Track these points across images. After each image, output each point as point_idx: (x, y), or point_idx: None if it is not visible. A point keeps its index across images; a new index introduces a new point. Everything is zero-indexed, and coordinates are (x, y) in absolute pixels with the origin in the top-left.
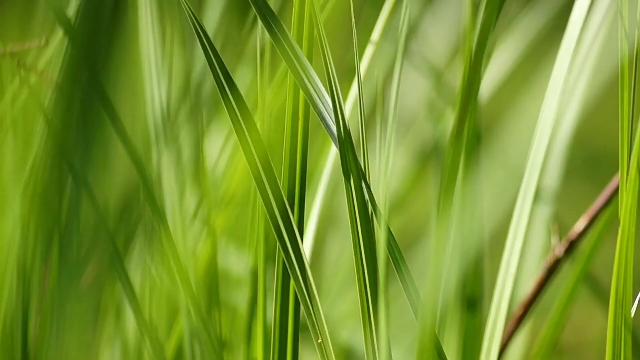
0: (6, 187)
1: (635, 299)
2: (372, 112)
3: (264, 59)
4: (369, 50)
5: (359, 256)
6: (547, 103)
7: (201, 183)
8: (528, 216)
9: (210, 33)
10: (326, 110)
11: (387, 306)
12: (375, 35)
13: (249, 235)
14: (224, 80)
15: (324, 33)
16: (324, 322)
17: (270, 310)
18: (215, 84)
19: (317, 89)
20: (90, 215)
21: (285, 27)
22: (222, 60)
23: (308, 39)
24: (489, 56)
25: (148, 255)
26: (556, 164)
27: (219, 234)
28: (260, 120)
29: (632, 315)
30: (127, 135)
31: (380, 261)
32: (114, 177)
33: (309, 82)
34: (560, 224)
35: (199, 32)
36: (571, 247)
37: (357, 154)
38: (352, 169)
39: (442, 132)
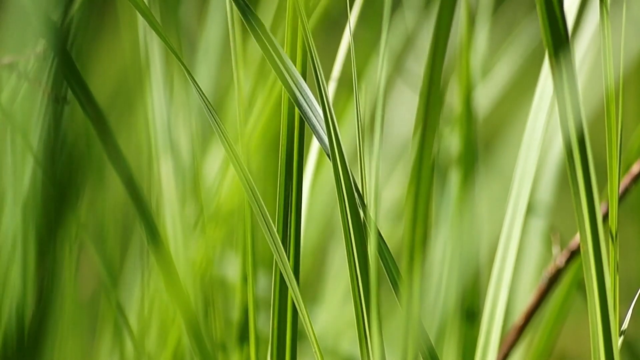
0: (5, 194)
1: (629, 309)
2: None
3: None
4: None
5: (353, 267)
6: (534, 115)
7: (198, 196)
8: (521, 226)
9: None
10: (319, 123)
11: (380, 318)
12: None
13: (242, 243)
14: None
15: (316, 54)
16: (313, 331)
17: (264, 316)
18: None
19: (310, 103)
20: (89, 225)
21: (277, 42)
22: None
23: (302, 54)
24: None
25: (145, 264)
26: (554, 175)
27: (215, 243)
28: (254, 133)
29: (626, 325)
30: (122, 152)
31: (372, 273)
32: (114, 188)
33: (302, 96)
34: (560, 234)
35: (191, 76)
36: (572, 257)
37: (356, 166)
38: (345, 181)
39: (440, 147)
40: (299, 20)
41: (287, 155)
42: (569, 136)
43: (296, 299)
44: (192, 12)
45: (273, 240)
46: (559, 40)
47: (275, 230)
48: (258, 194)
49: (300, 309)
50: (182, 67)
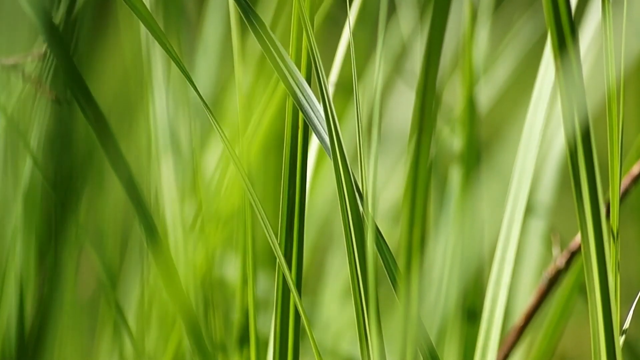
0: (5, 194)
1: (630, 310)
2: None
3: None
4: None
5: (353, 266)
6: (533, 114)
7: (198, 196)
8: (520, 225)
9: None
10: (320, 123)
11: (379, 317)
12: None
13: (242, 244)
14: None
15: (319, 57)
16: (313, 338)
17: (264, 318)
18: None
19: (311, 102)
20: (89, 225)
21: (278, 42)
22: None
23: (304, 54)
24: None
25: (145, 265)
26: (554, 176)
27: (215, 244)
28: (254, 134)
29: (627, 326)
30: (121, 151)
31: (371, 272)
32: (114, 188)
33: (303, 96)
34: (560, 235)
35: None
36: (572, 258)
37: (356, 166)
38: (346, 180)
39: (439, 146)
40: (303, 24)
41: (290, 155)
42: (572, 134)
43: (299, 307)
44: (192, 11)
45: (273, 245)
46: (564, 35)
47: (276, 238)
48: (256, 196)
49: (303, 317)
50: (181, 71)
